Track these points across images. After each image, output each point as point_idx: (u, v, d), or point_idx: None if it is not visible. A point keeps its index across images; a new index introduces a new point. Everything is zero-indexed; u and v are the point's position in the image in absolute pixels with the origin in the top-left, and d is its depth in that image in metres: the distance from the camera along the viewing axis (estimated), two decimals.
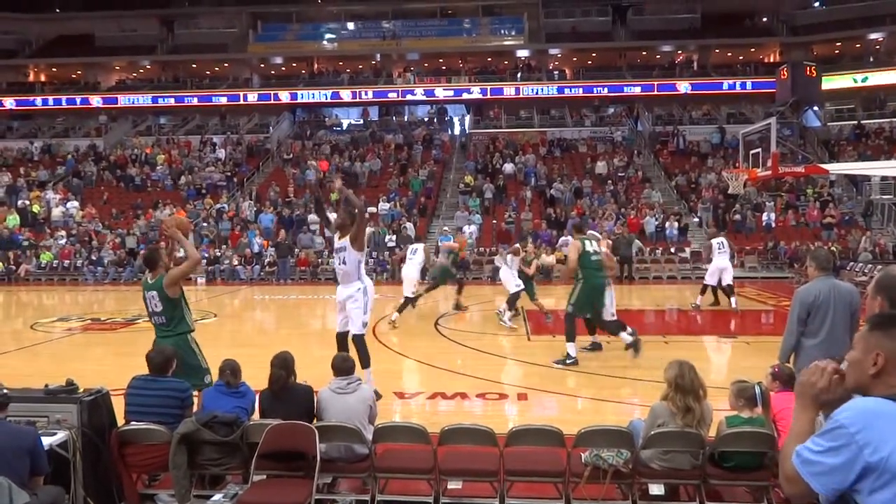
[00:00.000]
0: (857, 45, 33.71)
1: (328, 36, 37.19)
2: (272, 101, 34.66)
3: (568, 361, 8.65)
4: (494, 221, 23.93)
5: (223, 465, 4.45)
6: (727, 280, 13.40)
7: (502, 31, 36.52)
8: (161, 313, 5.46)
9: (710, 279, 13.61)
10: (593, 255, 8.81)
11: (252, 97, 34.86)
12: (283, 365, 4.73)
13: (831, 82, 29.39)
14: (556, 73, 35.71)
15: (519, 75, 34.77)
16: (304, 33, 37.26)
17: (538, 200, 25.28)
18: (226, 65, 37.42)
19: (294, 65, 37.35)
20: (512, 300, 11.78)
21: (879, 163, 22.80)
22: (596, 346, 9.56)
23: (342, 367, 4.85)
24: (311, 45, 36.98)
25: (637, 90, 33.33)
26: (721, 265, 13.35)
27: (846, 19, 32.40)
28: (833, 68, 30.62)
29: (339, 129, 34.32)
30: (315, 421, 4.63)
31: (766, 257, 21.57)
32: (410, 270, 12.31)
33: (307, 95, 34.65)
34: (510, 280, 11.80)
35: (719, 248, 13.39)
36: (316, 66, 37.38)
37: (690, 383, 4.21)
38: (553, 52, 36.22)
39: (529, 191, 25.76)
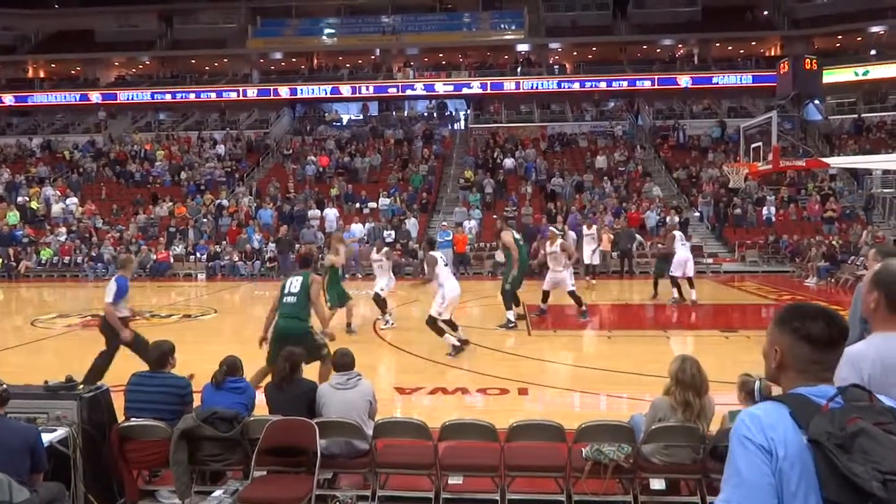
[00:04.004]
0: (859, 39, 33.63)
1: (327, 31, 37.09)
2: (272, 97, 34.64)
3: (510, 325, 10.69)
4: (495, 216, 23.83)
5: (224, 460, 4.45)
6: (689, 273, 13.71)
7: (502, 26, 36.44)
8: (296, 294, 6.41)
9: (675, 271, 13.73)
10: (521, 241, 11.20)
11: (251, 92, 34.79)
12: (288, 357, 4.78)
13: (832, 76, 29.31)
14: (556, 67, 35.60)
15: (519, 70, 34.68)
16: (303, 28, 37.16)
17: (538, 195, 25.23)
18: (225, 60, 37.40)
19: (293, 60, 37.29)
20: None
21: (880, 156, 22.73)
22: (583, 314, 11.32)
23: (342, 363, 4.85)
24: (311, 40, 36.90)
25: (637, 84, 33.28)
26: (684, 256, 13.65)
27: (847, 12, 32.31)
28: (834, 62, 30.49)
29: (338, 124, 34.28)
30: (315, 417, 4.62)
31: (766, 251, 21.55)
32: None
33: (307, 91, 34.62)
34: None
35: (681, 241, 13.82)
36: (315, 61, 37.31)
37: (691, 378, 4.19)
38: (553, 46, 36.16)
39: (530, 186, 25.71)
